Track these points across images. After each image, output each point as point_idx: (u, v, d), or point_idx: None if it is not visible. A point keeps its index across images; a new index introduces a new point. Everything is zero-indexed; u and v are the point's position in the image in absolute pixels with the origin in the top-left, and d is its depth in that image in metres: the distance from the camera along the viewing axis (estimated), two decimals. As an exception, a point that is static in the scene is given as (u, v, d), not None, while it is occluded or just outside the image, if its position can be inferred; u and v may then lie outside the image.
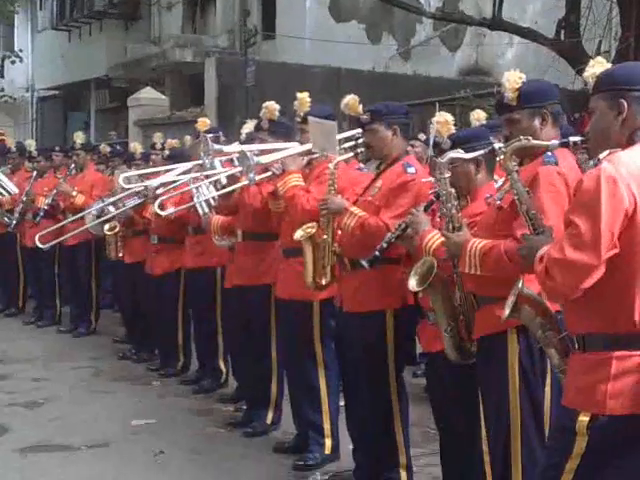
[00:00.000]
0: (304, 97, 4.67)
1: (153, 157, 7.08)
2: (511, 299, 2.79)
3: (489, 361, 3.32)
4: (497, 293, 3.15)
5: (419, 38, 17.64)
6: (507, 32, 13.66)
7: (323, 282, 4.24)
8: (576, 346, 2.53)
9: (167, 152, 6.88)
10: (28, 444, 5.08)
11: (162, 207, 6.06)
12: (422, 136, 6.54)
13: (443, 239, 3.38)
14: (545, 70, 11.00)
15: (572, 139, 2.88)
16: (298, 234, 4.27)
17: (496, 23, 12.65)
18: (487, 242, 3.18)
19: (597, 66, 2.70)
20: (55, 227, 7.64)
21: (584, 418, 2.42)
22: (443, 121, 3.74)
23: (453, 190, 3.40)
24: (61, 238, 7.68)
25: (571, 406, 2.48)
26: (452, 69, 17.50)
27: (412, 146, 6.10)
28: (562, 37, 11.60)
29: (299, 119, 4.70)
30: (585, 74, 2.69)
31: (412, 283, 3.46)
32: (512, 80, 3.25)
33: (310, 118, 4.44)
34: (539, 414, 3.27)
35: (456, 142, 3.56)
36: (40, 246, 7.38)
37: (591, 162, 2.48)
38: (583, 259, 2.35)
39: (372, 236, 3.88)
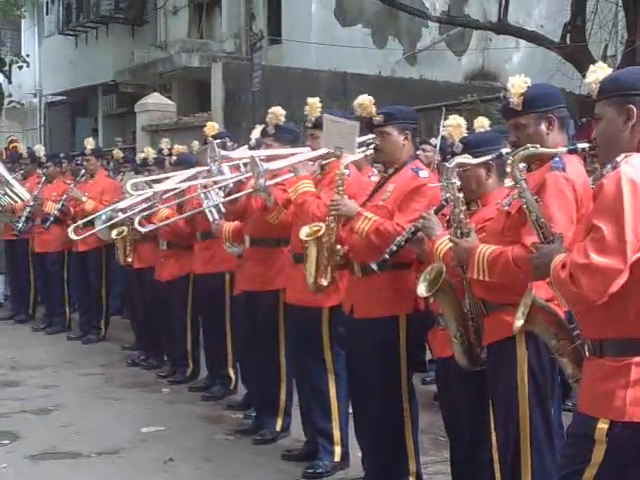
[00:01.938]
0: (315, 102, 4.67)
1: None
2: (522, 309, 2.78)
3: (498, 367, 3.32)
4: (506, 299, 3.17)
5: (425, 42, 17.63)
6: (513, 36, 13.65)
7: (324, 283, 4.22)
8: (592, 352, 2.50)
9: (175, 158, 6.90)
10: (38, 451, 5.10)
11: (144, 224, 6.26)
12: (433, 140, 6.54)
13: (451, 244, 3.38)
14: (552, 74, 10.99)
15: (580, 145, 2.87)
16: (304, 232, 4.25)
17: (502, 27, 12.65)
18: (495, 248, 3.18)
19: (599, 71, 2.67)
20: (89, 233, 7.48)
21: (603, 425, 2.39)
22: (455, 125, 3.72)
23: (461, 195, 3.40)
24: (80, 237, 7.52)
25: (589, 413, 2.45)
26: (458, 73, 17.48)
27: (423, 150, 6.11)
28: (568, 41, 11.59)
29: (309, 124, 4.68)
30: (587, 80, 2.67)
31: (421, 289, 3.46)
32: (517, 85, 3.25)
33: (326, 115, 4.39)
34: (549, 420, 3.27)
35: (467, 146, 3.56)
36: (75, 238, 7.34)
37: (609, 166, 2.45)
38: (609, 263, 2.31)
39: (387, 240, 3.85)
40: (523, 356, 3.24)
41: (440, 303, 3.52)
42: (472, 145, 3.57)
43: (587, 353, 2.54)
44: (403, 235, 3.73)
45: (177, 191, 6.06)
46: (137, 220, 6.25)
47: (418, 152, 5.33)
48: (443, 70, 16.73)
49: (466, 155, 3.48)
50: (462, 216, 3.34)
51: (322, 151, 4.52)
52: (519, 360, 3.24)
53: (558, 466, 2.71)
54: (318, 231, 4.20)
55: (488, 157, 3.39)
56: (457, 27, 15.93)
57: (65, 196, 8.36)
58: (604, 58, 11.32)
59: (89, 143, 8.53)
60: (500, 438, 3.33)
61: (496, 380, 3.34)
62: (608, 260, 2.31)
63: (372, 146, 4.26)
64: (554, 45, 11.88)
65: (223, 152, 5.07)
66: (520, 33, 12.91)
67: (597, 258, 2.32)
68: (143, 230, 6.26)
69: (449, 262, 3.41)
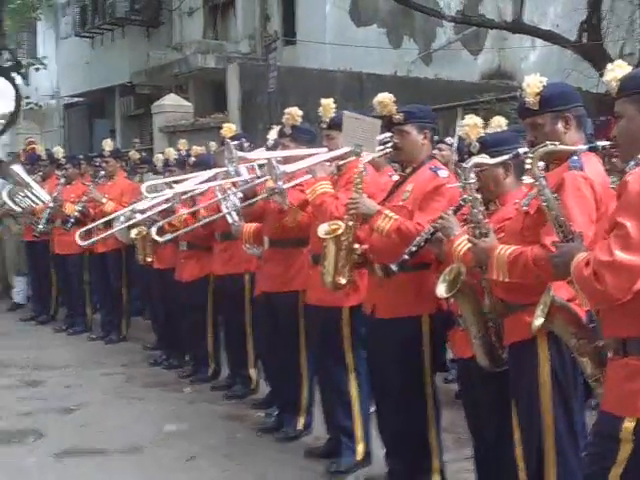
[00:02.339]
0: (329, 103, 4.67)
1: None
2: (541, 308, 2.78)
3: (520, 368, 3.32)
4: (526, 300, 3.17)
5: (440, 42, 17.61)
6: (528, 35, 13.63)
7: (342, 281, 4.23)
8: (615, 351, 2.50)
9: (193, 159, 6.94)
10: (62, 449, 5.15)
11: (162, 232, 6.30)
12: (449, 140, 6.55)
13: (470, 245, 3.38)
14: (568, 73, 10.98)
15: (600, 143, 2.86)
16: (323, 229, 4.25)
17: (517, 26, 12.66)
18: (514, 248, 3.17)
19: (618, 69, 2.66)
20: (84, 229, 7.56)
21: (629, 424, 2.40)
22: (472, 124, 3.71)
23: (479, 196, 3.39)
24: (95, 238, 7.48)
25: (614, 412, 2.45)
26: (474, 73, 17.45)
27: (439, 150, 6.12)
28: (584, 40, 11.57)
29: (325, 125, 4.69)
30: (606, 77, 2.66)
31: (440, 290, 3.47)
32: (533, 84, 3.23)
33: (347, 113, 4.38)
34: (571, 420, 3.26)
35: (484, 146, 3.57)
36: (81, 244, 7.35)
37: (632, 163, 2.46)
38: (634, 260, 2.31)
39: (408, 240, 3.86)
40: (545, 356, 3.23)
41: (460, 304, 3.52)
42: (489, 145, 3.57)
43: (611, 353, 2.53)
44: (422, 235, 3.74)
45: (196, 192, 6.10)
46: (154, 230, 6.29)
47: (434, 152, 5.35)
48: (459, 70, 16.71)
49: (483, 155, 3.48)
50: (481, 216, 3.34)
51: (339, 151, 4.52)
52: (541, 361, 3.23)
53: (583, 466, 2.71)
54: (337, 229, 4.21)
55: (505, 157, 3.37)
56: (472, 27, 15.89)
57: (85, 198, 8.40)
58: (621, 56, 11.28)
59: (107, 144, 8.57)
60: (523, 439, 3.32)
61: (518, 381, 3.34)
62: (633, 257, 2.31)
63: (390, 145, 4.27)
64: (570, 44, 11.87)
65: (240, 153, 5.08)
66: (536, 32, 12.89)
67: (622, 255, 2.31)
68: (161, 240, 6.30)
69: (468, 262, 3.41)
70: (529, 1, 12.95)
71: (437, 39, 17.62)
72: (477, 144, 3.60)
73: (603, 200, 3.09)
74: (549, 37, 12.59)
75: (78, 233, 7.25)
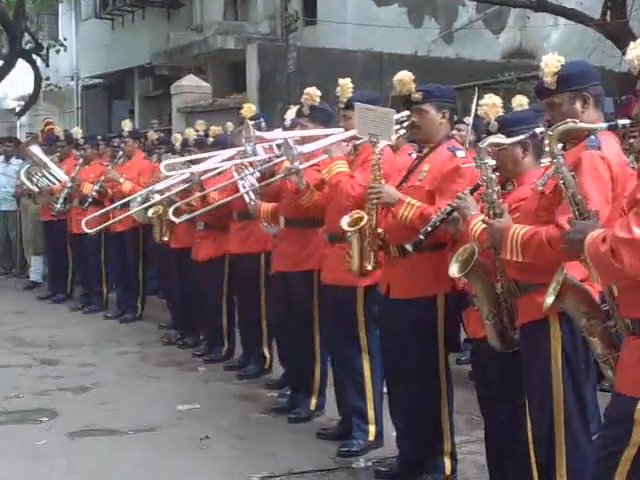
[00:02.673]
0: (346, 83, 4.62)
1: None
2: (553, 286, 2.74)
3: (532, 349, 3.29)
4: (539, 280, 3.13)
5: (462, 21, 17.43)
6: (551, 14, 13.45)
7: (369, 267, 4.20)
8: (631, 331, 2.45)
9: (211, 139, 6.91)
10: (76, 428, 5.16)
11: (179, 213, 6.32)
12: (468, 119, 6.46)
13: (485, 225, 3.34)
14: (591, 52, 10.82)
15: (620, 122, 2.83)
16: (345, 222, 4.20)
17: (540, 5, 12.47)
18: (529, 228, 3.14)
19: None
20: (100, 212, 7.65)
21: None
22: (491, 104, 3.65)
23: (494, 176, 3.36)
24: (105, 224, 7.64)
25: (629, 394, 2.41)
26: (496, 52, 17.26)
27: (458, 130, 6.05)
28: (608, 18, 11.39)
29: (342, 105, 4.65)
30: (628, 56, 2.57)
31: (453, 269, 3.44)
32: (550, 64, 3.19)
33: (358, 104, 4.34)
34: (583, 402, 3.24)
35: (503, 125, 3.50)
36: (87, 231, 7.40)
37: None
38: None
39: None
40: (557, 337, 3.20)
41: (472, 284, 3.49)
42: (508, 124, 3.51)
43: (626, 332, 2.49)
44: (438, 215, 3.70)
45: (215, 172, 6.07)
46: (171, 211, 6.28)
47: (453, 132, 5.28)
48: (480, 49, 16.53)
49: (499, 135, 3.43)
50: (495, 196, 3.31)
51: (353, 132, 4.48)
52: (553, 342, 3.21)
53: (595, 448, 2.67)
54: (359, 220, 4.15)
55: (522, 137, 3.34)
56: (495, 5, 15.70)
57: (103, 177, 8.42)
58: (646, 35, 11.12)
59: (126, 125, 8.60)
60: (534, 421, 3.30)
61: (530, 362, 3.31)
62: None
63: (406, 124, 4.21)
64: (594, 22, 11.69)
65: (258, 133, 5.08)
66: (560, 10, 12.71)
67: None
68: (177, 220, 6.30)
69: (483, 243, 3.38)
70: (553, -21, 12.76)
71: (459, 18, 17.44)
72: (495, 123, 3.54)
73: (619, 180, 3.05)
74: (573, 15, 12.41)
75: (84, 221, 7.24)
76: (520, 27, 17.26)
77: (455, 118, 4.48)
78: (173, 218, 6.32)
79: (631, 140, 5.05)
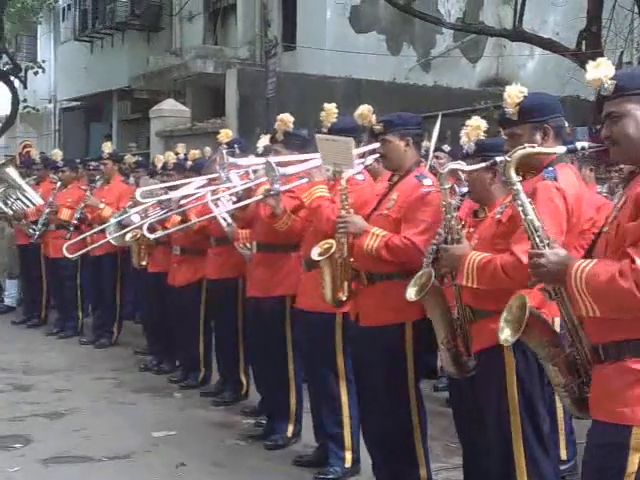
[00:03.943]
0: (331, 108, 4.65)
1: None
2: (511, 321, 2.66)
3: (486, 376, 3.34)
4: (492, 307, 3.17)
5: (439, 49, 17.61)
6: (528, 43, 13.62)
7: (343, 298, 4.21)
8: (607, 356, 2.42)
9: (190, 163, 6.91)
10: (50, 455, 5.10)
11: (153, 230, 6.36)
12: (446, 147, 6.52)
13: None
14: (567, 81, 10.96)
15: (579, 144, 2.81)
16: (315, 252, 4.22)
17: (517, 34, 12.64)
18: (485, 255, 3.20)
19: (603, 67, 2.55)
20: (81, 237, 7.65)
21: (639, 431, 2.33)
22: (475, 126, 3.64)
23: (453, 202, 3.42)
24: (86, 249, 7.63)
25: (619, 422, 2.37)
26: (473, 80, 17.46)
27: (437, 157, 6.10)
28: (583, 48, 11.56)
29: (325, 130, 4.64)
30: (588, 76, 2.55)
31: (410, 293, 3.46)
32: (513, 95, 3.24)
33: (319, 136, 4.40)
34: (539, 425, 3.30)
35: (479, 149, 3.54)
36: (68, 256, 7.37)
37: None
38: None
39: (398, 255, 3.90)
40: (511, 365, 3.25)
41: (428, 308, 3.51)
42: (484, 148, 3.53)
43: (602, 357, 2.45)
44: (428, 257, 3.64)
45: (193, 197, 6.07)
46: (145, 227, 6.28)
47: (432, 160, 5.31)
48: (457, 77, 16.72)
49: (459, 162, 3.48)
50: (453, 222, 3.35)
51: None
52: (507, 369, 3.26)
53: (585, 475, 2.57)
54: (329, 249, 4.17)
55: (482, 164, 3.34)
56: (472, 34, 15.89)
57: (82, 204, 8.37)
58: (620, 65, 11.27)
59: (107, 147, 8.55)
60: (492, 446, 3.33)
61: (485, 389, 3.35)
62: None
63: (374, 156, 4.29)
64: (569, 52, 11.85)
65: (231, 159, 5.09)
66: (536, 40, 12.87)
67: None
68: (152, 237, 6.30)
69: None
70: (529, 9, 12.92)
71: (437, 46, 17.62)
72: (473, 145, 3.57)
73: (575, 211, 3.11)
74: (549, 45, 12.58)
75: (65, 246, 7.21)
76: (497, 56, 17.47)
77: (425, 144, 4.53)
78: (148, 234, 6.28)
79: (585, 170, 5.13)
